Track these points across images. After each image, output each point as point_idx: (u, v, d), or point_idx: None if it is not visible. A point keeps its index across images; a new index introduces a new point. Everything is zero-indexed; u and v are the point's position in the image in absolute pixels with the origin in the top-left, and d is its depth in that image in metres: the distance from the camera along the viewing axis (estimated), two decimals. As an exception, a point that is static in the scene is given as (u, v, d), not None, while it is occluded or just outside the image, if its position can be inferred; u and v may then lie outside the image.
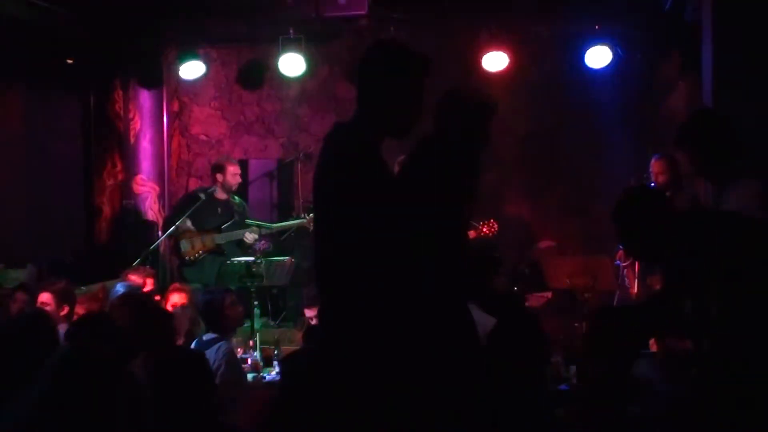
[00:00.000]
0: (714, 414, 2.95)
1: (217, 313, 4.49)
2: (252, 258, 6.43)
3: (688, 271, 3.03)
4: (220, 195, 7.00)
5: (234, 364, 4.42)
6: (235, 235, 6.90)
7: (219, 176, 7.00)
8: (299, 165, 8.07)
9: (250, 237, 6.86)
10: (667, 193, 5.87)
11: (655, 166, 5.88)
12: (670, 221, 3.05)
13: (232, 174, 6.97)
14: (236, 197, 7.17)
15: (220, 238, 6.88)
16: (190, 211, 6.87)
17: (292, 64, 7.76)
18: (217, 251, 6.88)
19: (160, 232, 8.11)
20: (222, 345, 4.38)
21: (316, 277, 2.80)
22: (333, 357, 2.71)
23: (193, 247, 6.85)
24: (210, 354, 4.25)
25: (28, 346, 2.94)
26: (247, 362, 5.29)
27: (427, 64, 2.87)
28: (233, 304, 4.61)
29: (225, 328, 4.52)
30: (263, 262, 6.13)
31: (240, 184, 7.30)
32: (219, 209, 6.99)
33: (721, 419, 2.92)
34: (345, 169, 2.67)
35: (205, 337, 4.46)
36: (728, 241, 2.96)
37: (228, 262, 6.58)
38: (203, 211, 6.92)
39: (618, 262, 6.05)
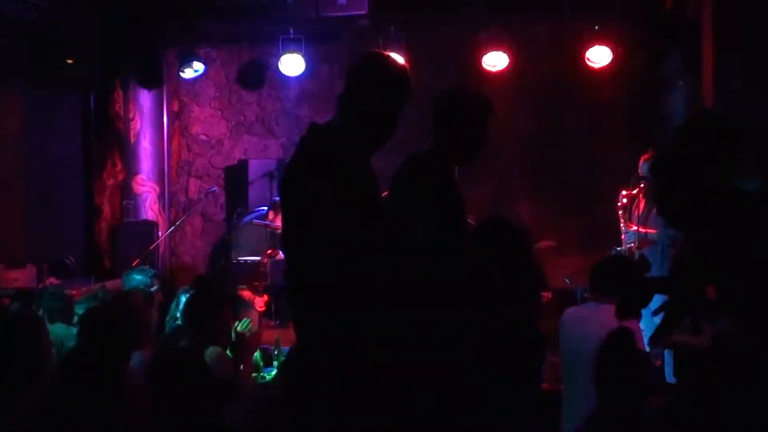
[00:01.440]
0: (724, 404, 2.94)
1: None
2: (258, 257, 6.44)
3: (711, 246, 3.02)
4: (269, 229, 6.90)
5: (225, 367, 4.37)
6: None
7: (271, 213, 6.92)
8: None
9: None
10: None
11: (645, 166, 5.89)
12: (705, 190, 3.04)
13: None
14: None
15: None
16: (192, 209, 6.86)
17: (292, 64, 7.77)
18: None
19: (160, 232, 8.12)
20: (210, 350, 4.34)
21: (287, 283, 2.77)
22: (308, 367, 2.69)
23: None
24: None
25: (18, 348, 2.93)
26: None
27: (409, 95, 2.87)
28: (221, 313, 4.57)
29: (210, 334, 4.48)
30: (270, 261, 6.11)
31: (240, 184, 7.27)
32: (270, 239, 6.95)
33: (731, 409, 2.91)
34: (326, 172, 2.63)
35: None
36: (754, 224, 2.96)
37: (234, 261, 6.54)
38: (260, 240, 6.88)
39: None
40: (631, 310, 3.13)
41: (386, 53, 3.00)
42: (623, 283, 3.77)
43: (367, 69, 2.84)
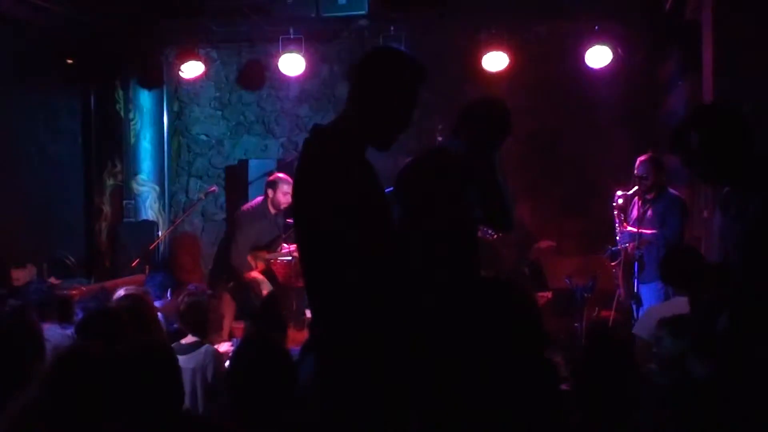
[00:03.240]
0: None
1: (202, 316, 4.47)
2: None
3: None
4: (271, 210, 6.92)
5: (221, 363, 4.39)
6: (277, 255, 6.84)
7: (270, 191, 6.92)
8: (299, 165, 8.02)
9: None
10: (651, 195, 5.92)
11: (641, 167, 5.91)
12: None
13: (284, 192, 6.87)
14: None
15: (269, 256, 6.84)
16: (192, 208, 6.86)
17: (292, 64, 7.77)
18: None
19: (160, 232, 8.12)
20: (206, 347, 4.36)
21: (305, 284, 2.78)
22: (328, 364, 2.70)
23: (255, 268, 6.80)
24: (196, 356, 4.25)
25: (12, 348, 2.93)
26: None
27: (425, 76, 2.81)
28: (215, 310, 4.59)
29: (207, 331, 4.49)
30: None
31: (240, 184, 7.27)
32: (275, 228, 6.92)
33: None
34: (329, 173, 2.61)
35: (184, 341, 4.42)
36: None
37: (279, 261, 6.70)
38: (263, 228, 6.87)
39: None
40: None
41: (392, 48, 2.97)
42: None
43: (370, 66, 2.81)
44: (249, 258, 6.77)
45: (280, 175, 7.10)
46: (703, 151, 3.10)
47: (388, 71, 2.76)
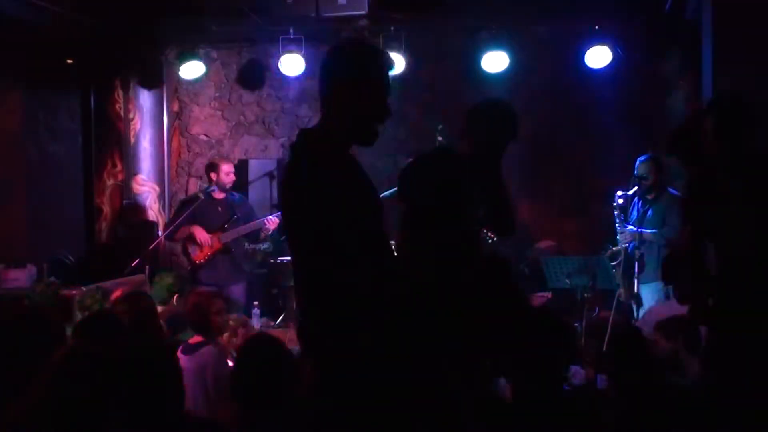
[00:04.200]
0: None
1: (205, 317, 4.47)
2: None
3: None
4: (218, 194, 7.00)
5: (224, 363, 4.40)
6: (240, 230, 6.92)
7: (213, 175, 6.99)
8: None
9: (272, 223, 6.86)
10: (651, 195, 5.94)
11: (641, 167, 5.92)
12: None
13: (226, 173, 6.98)
14: (234, 193, 7.16)
15: (224, 237, 6.88)
16: (189, 211, 6.87)
17: (292, 64, 7.77)
18: (225, 250, 6.91)
19: (160, 232, 8.11)
20: (209, 347, 4.37)
21: (295, 289, 2.77)
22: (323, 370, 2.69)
23: (201, 251, 6.86)
24: (200, 356, 4.25)
25: (24, 346, 2.93)
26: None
27: (389, 62, 2.77)
28: (219, 311, 4.59)
29: (210, 333, 4.50)
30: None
31: (240, 184, 7.30)
32: (219, 208, 6.98)
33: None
34: (311, 175, 2.58)
35: (190, 341, 4.42)
36: None
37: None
38: (204, 213, 6.92)
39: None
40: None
41: (349, 40, 2.93)
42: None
43: (331, 63, 2.74)
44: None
45: (216, 156, 7.35)
46: (716, 136, 3.15)
47: (350, 65, 2.71)
